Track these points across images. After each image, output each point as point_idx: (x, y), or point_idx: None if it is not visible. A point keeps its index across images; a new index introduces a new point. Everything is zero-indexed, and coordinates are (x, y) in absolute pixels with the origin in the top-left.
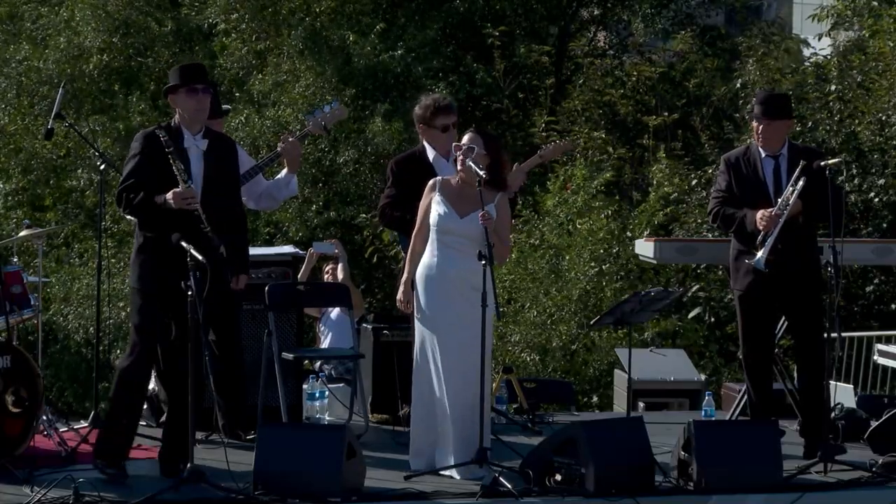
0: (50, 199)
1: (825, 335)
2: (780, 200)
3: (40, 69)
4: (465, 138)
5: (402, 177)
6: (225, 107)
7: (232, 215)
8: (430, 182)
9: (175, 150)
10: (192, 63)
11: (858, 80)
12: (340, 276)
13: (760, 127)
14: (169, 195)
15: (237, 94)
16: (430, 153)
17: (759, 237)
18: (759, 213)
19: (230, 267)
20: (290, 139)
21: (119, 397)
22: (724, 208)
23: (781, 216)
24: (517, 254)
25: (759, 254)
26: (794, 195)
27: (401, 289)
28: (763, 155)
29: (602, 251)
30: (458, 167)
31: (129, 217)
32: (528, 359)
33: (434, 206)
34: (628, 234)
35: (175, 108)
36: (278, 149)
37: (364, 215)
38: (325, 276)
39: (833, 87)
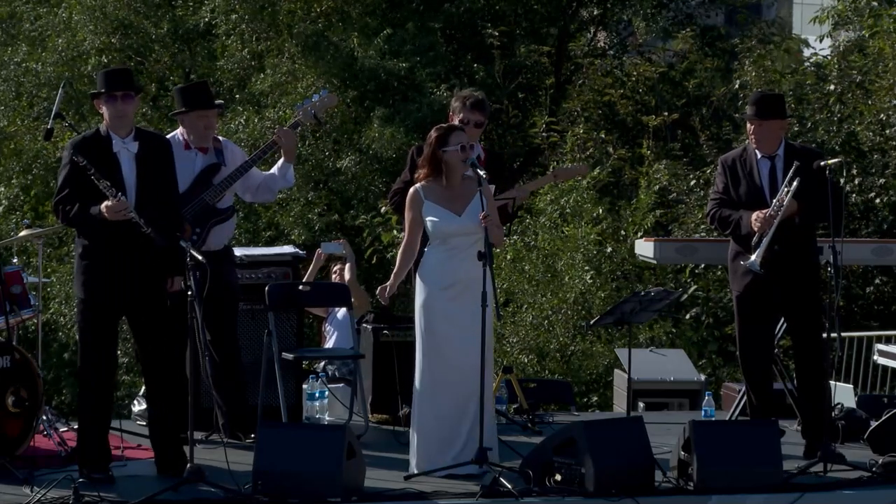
0: (49, 203)
1: (824, 335)
2: (774, 201)
3: (38, 71)
4: (455, 136)
5: None
6: (218, 101)
7: (168, 215)
8: (412, 193)
9: (100, 163)
10: (116, 68)
11: (858, 80)
12: (347, 275)
13: (753, 127)
14: (102, 208)
15: (237, 96)
16: None
17: (755, 239)
18: (754, 215)
19: (166, 269)
20: (285, 129)
21: (83, 408)
22: (721, 210)
23: (776, 217)
24: (513, 254)
25: (754, 256)
26: (788, 196)
27: (389, 283)
28: (759, 156)
29: (596, 252)
30: (453, 163)
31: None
32: (526, 360)
33: (428, 216)
34: (622, 233)
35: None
36: (274, 139)
37: (364, 217)
38: (333, 277)
39: (832, 88)
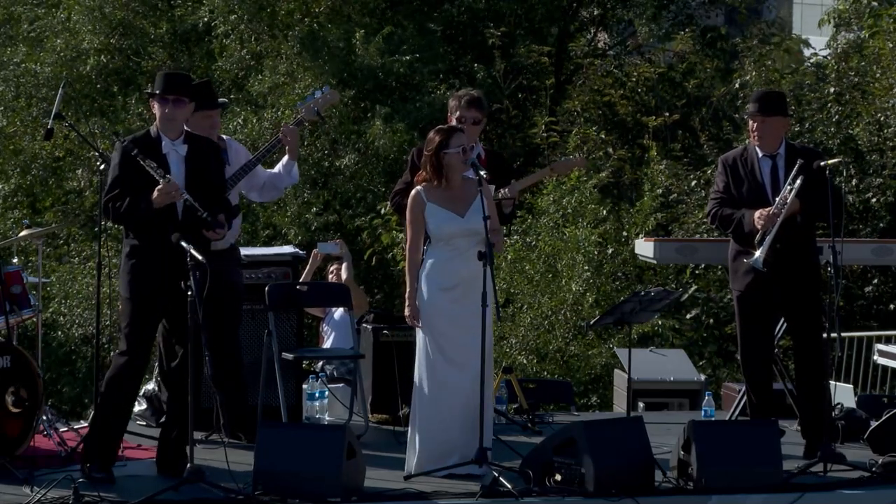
0: (49, 201)
1: (824, 335)
2: (777, 199)
3: (37, 72)
4: (456, 138)
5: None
6: (221, 100)
7: (219, 212)
8: (414, 196)
9: (149, 155)
10: (175, 72)
11: (856, 81)
12: (344, 275)
13: (755, 124)
14: (154, 194)
15: (233, 97)
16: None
17: (758, 237)
18: (757, 213)
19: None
20: (289, 126)
21: (107, 404)
22: (722, 209)
23: (779, 215)
24: (513, 255)
25: (758, 253)
26: (791, 194)
27: (407, 304)
28: (760, 155)
29: (597, 253)
30: (455, 165)
31: (117, 226)
32: (525, 360)
33: (430, 217)
34: (624, 233)
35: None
36: (279, 136)
37: (363, 218)
38: (330, 277)
39: (831, 89)
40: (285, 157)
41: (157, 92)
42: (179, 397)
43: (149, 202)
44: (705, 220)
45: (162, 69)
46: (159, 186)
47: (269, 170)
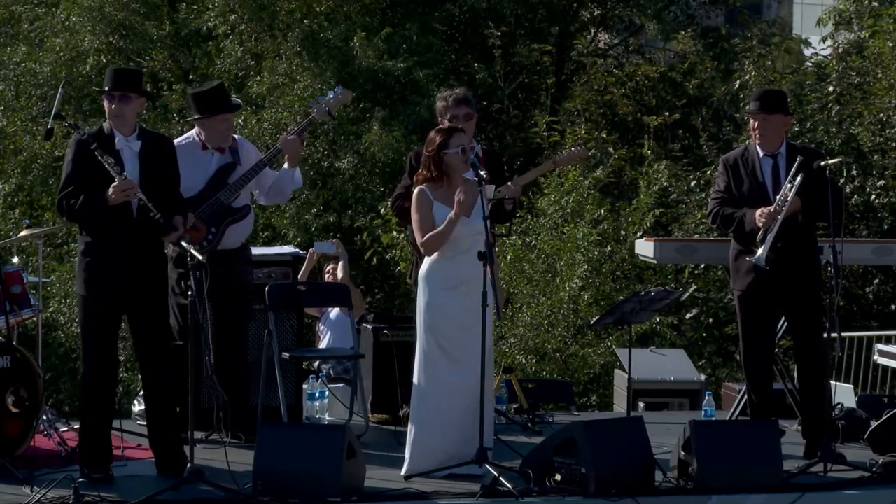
0: (47, 200)
1: (825, 335)
2: (778, 197)
3: (37, 72)
4: (456, 138)
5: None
6: (235, 100)
7: (173, 208)
8: (420, 194)
9: (103, 151)
10: (122, 68)
11: (856, 81)
12: (340, 275)
13: (757, 123)
14: (110, 191)
15: (234, 98)
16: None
17: (759, 235)
18: (758, 212)
19: (170, 216)
20: (290, 136)
21: (86, 407)
22: (724, 209)
23: (780, 213)
24: (513, 254)
25: (760, 251)
26: (791, 191)
27: (455, 211)
28: (761, 154)
29: (596, 252)
30: (455, 165)
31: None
32: (525, 360)
33: (436, 216)
34: (622, 232)
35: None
36: (278, 145)
37: (363, 218)
38: (326, 276)
39: (831, 89)
40: (285, 165)
41: (106, 88)
42: (155, 394)
43: (104, 199)
44: (705, 220)
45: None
46: (115, 183)
47: (276, 171)
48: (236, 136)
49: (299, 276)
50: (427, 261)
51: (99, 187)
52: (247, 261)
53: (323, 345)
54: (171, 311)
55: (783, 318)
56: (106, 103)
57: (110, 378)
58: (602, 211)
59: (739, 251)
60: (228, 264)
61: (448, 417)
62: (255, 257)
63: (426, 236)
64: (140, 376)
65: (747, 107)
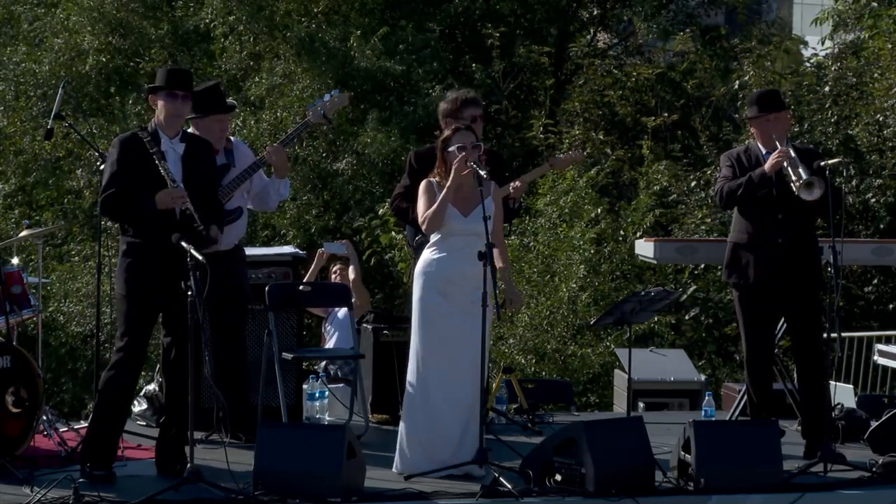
0: (45, 200)
1: (825, 335)
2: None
3: (36, 72)
4: (459, 136)
5: (420, 170)
6: (230, 101)
7: (212, 216)
8: (426, 184)
9: (147, 160)
10: (180, 68)
11: (853, 82)
12: (352, 276)
13: (769, 123)
14: (160, 196)
15: (232, 98)
16: None
17: (789, 173)
18: (767, 165)
19: (206, 221)
20: (274, 145)
21: (105, 404)
22: (729, 184)
23: (789, 151)
24: (511, 255)
25: (803, 175)
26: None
27: (454, 169)
28: (764, 152)
29: (593, 251)
30: (458, 164)
31: (113, 223)
32: (524, 360)
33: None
34: (622, 232)
35: (155, 110)
36: (263, 156)
37: (362, 219)
38: (333, 277)
39: (828, 90)
40: (273, 176)
41: (165, 87)
42: (179, 394)
43: (152, 203)
44: (705, 220)
45: (163, 68)
46: (168, 190)
47: (267, 178)
48: (232, 138)
49: (307, 276)
50: (422, 259)
51: (144, 189)
52: (241, 261)
53: (330, 345)
54: None
55: (783, 319)
56: (164, 102)
57: (135, 378)
58: (599, 210)
59: (735, 244)
60: (223, 265)
61: (441, 417)
62: (255, 257)
63: (427, 214)
64: (161, 377)
65: (751, 109)
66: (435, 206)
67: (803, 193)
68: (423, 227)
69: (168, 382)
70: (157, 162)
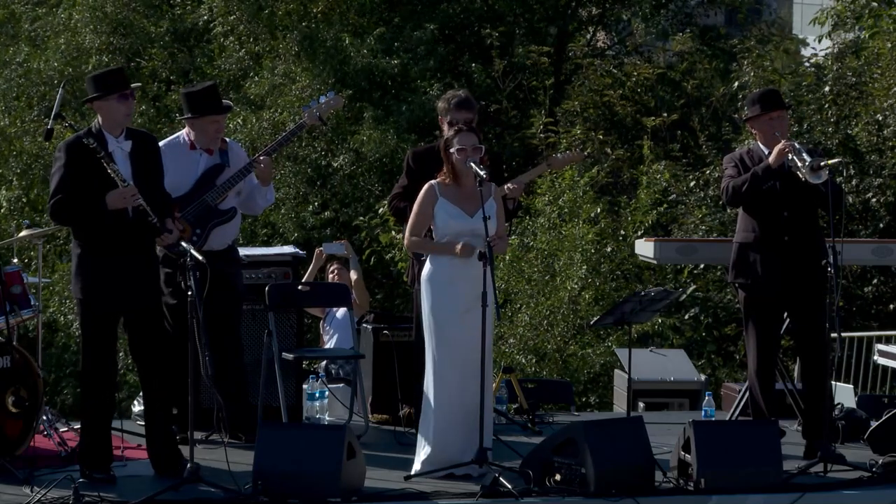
0: (45, 201)
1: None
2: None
3: (40, 70)
4: (461, 138)
5: (418, 170)
6: (225, 102)
7: (162, 209)
8: (428, 188)
9: (95, 162)
10: (111, 69)
11: (853, 82)
12: (353, 276)
13: (771, 121)
14: (110, 196)
15: (232, 97)
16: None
17: (795, 163)
18: (771, 157)
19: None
20: (268, 158)
21: (86, 407)
22: (735, 180)
23: (792, 144)
24: (511, 255)
25: (807, 157)
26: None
27: (458, 247)
28: (767, 151)
29: (593, 251)
30: (457, 163)
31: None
32: (524, 360)
33: (438, 212)
34: (622, 232)
35: (98, 114)
36: (251, 168)
37: (362, 217)
38: (330, 277)
39: (827, 90)
40: (258, 182)
41: (117, 89)
42: (150, 379)
43: (103, 205)
44: (705, 220)
45: (94, 74)
46: (118, 190)
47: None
48: (227, 139)
49: (305, 276)
50: (428, 263)
51: (94, 192)
52: (234, 261)
53: (330, 345)
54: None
55: (786, 319)
56: (117, 105)
57: (109, 380)
58: (598, 209)
59: (742, 244)
60: (216, 265)
61: (452, 418)
62: (255, 257)
63: (413, 239)
64: (139, 378)
65: (752, 108)
66: (427, 246)
67: (811, 177)
68: (405, 244)
69: (143, 385)
70: (105, 164)
